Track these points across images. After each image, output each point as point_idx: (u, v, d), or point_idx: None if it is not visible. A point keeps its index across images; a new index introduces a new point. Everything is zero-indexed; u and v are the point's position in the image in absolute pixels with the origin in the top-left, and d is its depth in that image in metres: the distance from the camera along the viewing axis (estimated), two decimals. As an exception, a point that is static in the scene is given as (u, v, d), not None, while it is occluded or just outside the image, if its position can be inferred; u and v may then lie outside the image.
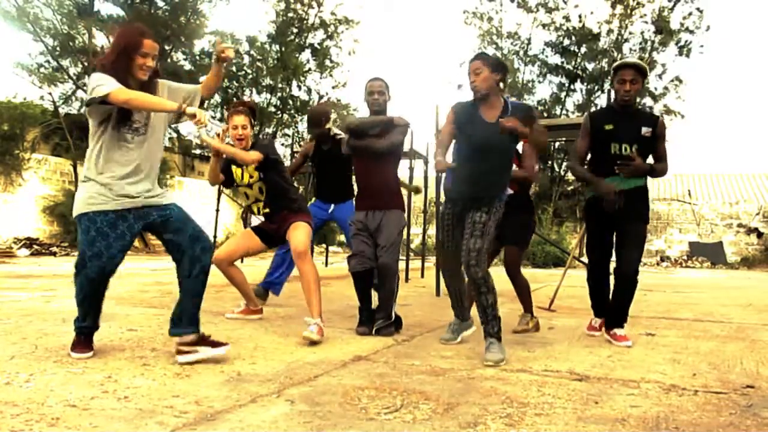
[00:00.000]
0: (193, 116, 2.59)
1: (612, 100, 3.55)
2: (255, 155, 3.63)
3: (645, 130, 3.42)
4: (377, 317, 3.60)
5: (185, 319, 2.71)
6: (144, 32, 2.64)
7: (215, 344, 2.70)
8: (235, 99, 20.55)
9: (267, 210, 3.88)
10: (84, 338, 2.71)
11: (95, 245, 2.57)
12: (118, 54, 2.60)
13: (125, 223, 2.65)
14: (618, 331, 3.47)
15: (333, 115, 5.15)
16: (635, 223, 3.46)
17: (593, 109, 12.04)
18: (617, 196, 3.34)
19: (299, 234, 3.60)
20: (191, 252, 2.69)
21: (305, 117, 20.93)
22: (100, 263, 2.57)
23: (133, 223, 2.67)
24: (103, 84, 2.50)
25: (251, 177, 3.87)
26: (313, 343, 3.14)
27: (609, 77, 19.44)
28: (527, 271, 6.46)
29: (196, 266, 2.69)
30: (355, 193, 4.04)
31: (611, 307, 3.54)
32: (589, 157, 3.64)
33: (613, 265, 3.55)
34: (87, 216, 2.60)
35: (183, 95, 2.83)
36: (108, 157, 2.64)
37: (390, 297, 3.62)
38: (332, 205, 4.98)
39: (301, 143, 18.59)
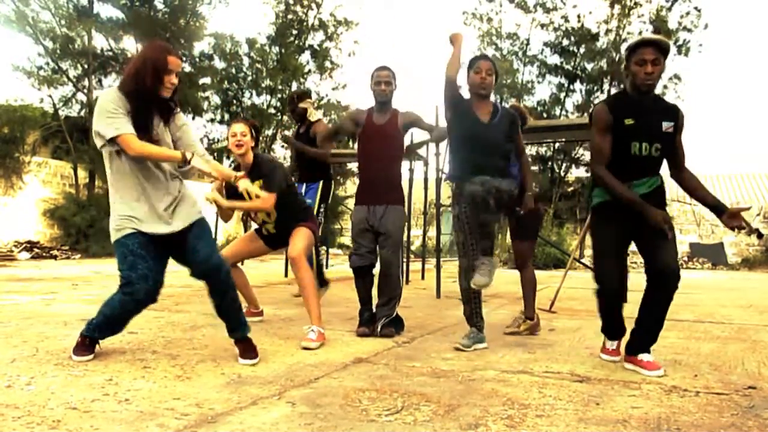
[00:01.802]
0: (244, 190, 2.79)
1: (628, 86, 2.83)
2: (271, 200, 3.41)
3: (666, 126, 2.79)
4: (379, 315, 3.60)
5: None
6: (170, 50, 2.64)
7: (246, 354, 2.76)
8: (234, 100, 20.58)
9: (275, 229, 3.79)
10: (88, 342, 2.71)
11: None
12: (144, 73, 2.57)
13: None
14: (645, 357, 2.77)
15: (307, 102, 5.16)
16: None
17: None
18: (668, 224, 2.68)
19: (297, 240, 3.53)
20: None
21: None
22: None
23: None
24: (113, 123, 2.50)
25: (267, 215, 3.74)
26: (310, 348, 3.13)
27: (607, 78, 19.55)
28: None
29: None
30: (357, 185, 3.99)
31: (640, 325, 2.83)
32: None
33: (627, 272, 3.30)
34: None
35: (186, 141, 2.80)
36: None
37: (393, 295, 3.62)
38: (304, 185, 5.18)
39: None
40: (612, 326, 3.03)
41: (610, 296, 2.92)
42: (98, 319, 2.69)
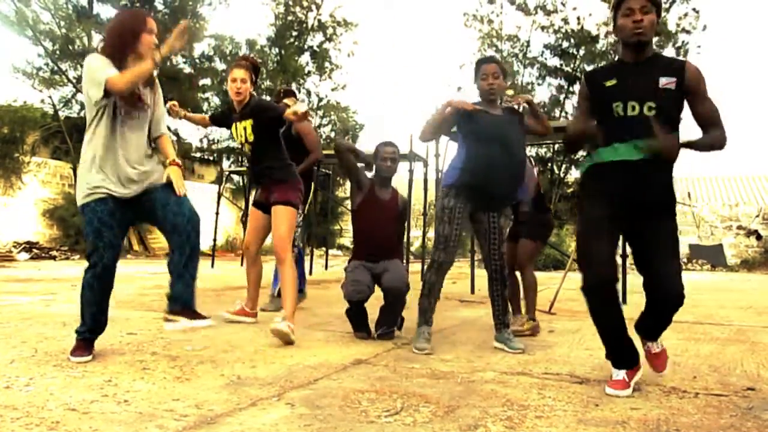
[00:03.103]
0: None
1: (620, 50, 2.47)
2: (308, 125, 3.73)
3: (665, 81, 2.34)
4: (381, 324, 3.57)
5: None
6: (145, 12, 2.77)
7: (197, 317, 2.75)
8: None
9: (260, 180, 3.85)
10: (85, 342, 2.71)
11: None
12: (123, 34, 2.65)
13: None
14: (653, 347, 2.59)
15: (292, 100, 5.12)
16: (664, 219, 2.37)
17: None
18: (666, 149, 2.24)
19: (279, 229, 3.52)
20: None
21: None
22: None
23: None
24: (103, 75, 2.55)
25: (243, 137, 3.77)
26: (285, 339, 3.15)
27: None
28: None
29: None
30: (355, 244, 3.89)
31: (649, 325, 2.56)
32: None
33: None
34: None
35: (158, 113, 2.89)
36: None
37: (396, 317, 3.61)
38: None
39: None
40: (615, 343, 2.45)
41: (601, 287, 2.35)
42: (80, 312, 2.72)
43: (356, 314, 3.60)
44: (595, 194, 2.43)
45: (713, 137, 2.35)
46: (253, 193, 4.13)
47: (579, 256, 2.44)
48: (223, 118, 4.01)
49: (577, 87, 20.74)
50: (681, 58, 2.64)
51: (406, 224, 3.98)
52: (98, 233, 2.63)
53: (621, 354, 2.45)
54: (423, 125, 3.30)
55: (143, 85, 2.77)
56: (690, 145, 2.35)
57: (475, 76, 3.35)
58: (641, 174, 2.32)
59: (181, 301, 2.74)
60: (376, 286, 3.61)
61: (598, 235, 2.36)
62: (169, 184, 2.75)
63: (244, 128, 3.74)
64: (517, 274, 4.07)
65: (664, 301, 2.36)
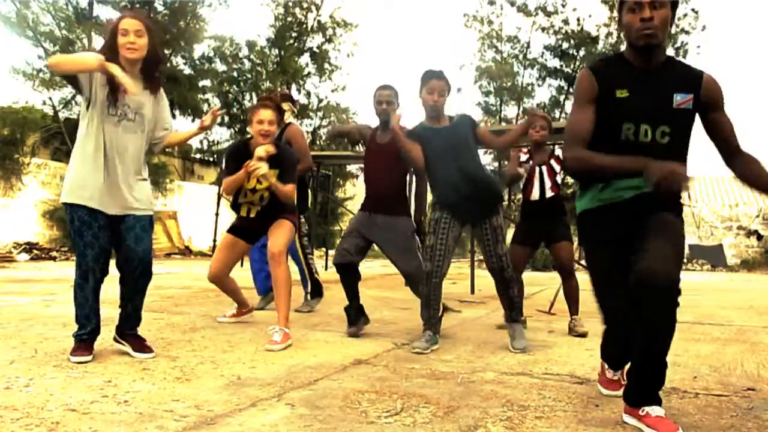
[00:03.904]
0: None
1: (626, 50, 2.06)
2: (293, 192, 3.47)
3: (681, 100, 1.96)
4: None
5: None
6: (125, 14, 2.73)
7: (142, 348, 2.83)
8: (235, 102, 20.58)
9: (255, 215, 3.60)
10: (84, 343, 2.71)
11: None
12: (107, 37, 2.70)
13: None
14: (654, 411, 1.89)
15: (288, 105, 5.08)
16: (665, 213, 1.98)
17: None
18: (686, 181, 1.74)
19: (279, 235, 3.43)
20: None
21: (304, 120, 20.96)
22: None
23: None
24: None
25: (260, 186, 3.50)
26: (273, 350, 3.08)
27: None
28: (527, 274, 6.48)
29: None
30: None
31: (638, 364, 1.95)
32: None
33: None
34: None
35: (162, 115, 2.94)
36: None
37: (426, 303, 3.60)
38: None
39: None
40: (613, 350, 2.28)
41: (614, 317, 2.17)
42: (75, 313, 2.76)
43: (345, 282, 3.68)
44: (600, 239, 2.10)
45: (746, 162, 2.00)
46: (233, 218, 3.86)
47: (597, 302, 2.19)
48: (236, 158, 3.44)
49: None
50: (698, 68, 2.04)
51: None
52: (79, 233, 2.67)
53: (621, 358, 2.25)
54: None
55: (143, 87, 2.78)
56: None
57: (420, 88, 3.34)
58: (645, 205, 1.95)
59: (126, 327, 2.88)
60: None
61: (609, 283, 2.09)
62: (137, 217, 2.79)
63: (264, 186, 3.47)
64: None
65: (646, 288, 1.75)
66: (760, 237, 18.42)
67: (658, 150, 1.91)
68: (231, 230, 3.73)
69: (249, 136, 3.53)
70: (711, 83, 2.01)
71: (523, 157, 4.06)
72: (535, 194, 3.99)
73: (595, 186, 2.06)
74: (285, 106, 4.94)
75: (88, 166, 2.68)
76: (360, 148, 4.17)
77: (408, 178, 3.94)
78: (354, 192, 21.27)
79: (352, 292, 3.69)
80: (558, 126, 6.57)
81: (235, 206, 3.68)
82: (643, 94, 1.95)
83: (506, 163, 20.91)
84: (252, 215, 3.61)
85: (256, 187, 3.51)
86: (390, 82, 3.76)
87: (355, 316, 3.66)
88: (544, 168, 4.01)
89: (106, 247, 2.73)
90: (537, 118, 3.86)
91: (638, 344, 1.90)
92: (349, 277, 3.69)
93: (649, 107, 1.95)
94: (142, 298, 2.90)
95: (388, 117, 3.65)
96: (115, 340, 2.90)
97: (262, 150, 3.27)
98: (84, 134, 2.72)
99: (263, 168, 3.22)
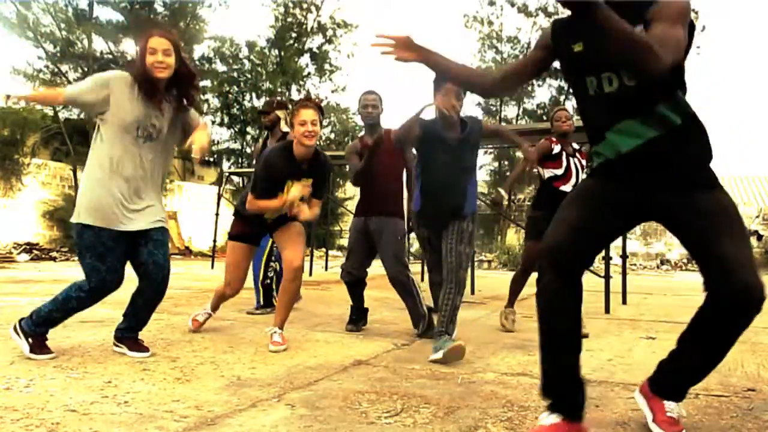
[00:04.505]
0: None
1: None
2: (317, 211, 3.31)
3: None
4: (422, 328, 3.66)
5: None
6: (152, 33, 2.74)
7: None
8: (235, 103, 20.58)
9: (271, 221, 3.38)
10: (43, 339, 2.78)
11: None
12: (137, 58, 2.75)
13: None
14: (670, 408, 1.82)
15: (283, 113, 5.03)
16: (706, 192, 1.70)
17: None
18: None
19: (297, 244, 3.25)
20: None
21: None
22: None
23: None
24: None
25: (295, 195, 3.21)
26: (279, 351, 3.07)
27: None
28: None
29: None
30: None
31: (693, 365, 1.86)
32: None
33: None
34: None
35: (191, 118, 2.97)
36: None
37: (413, 304, 3.68)
38: None
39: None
40: (554, 376, 1.77)
41: (554, 273, 1.74)
42: (44, 313, 2.78)
43: (351, 292, 3.87)
44: (597, 187, 1.84)
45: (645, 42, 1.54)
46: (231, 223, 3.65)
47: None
48: (276, 167, 3.16)
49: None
50: None
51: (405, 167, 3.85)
52: (92, 252, 2.69)
53: (566, 392, 1.76)
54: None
55: (175, 107, 2.85)
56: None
57: (434, 92, 3.08)
58: (646, 160, 1.72)
59: (127, 333, 2.91)
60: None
61: (569, 220, 1.78)
62: (157, 229, 2.81)
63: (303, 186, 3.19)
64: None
65: (746, 304, 1.58)
66: (760, 237, 18.42)
67: (631, 94, 1.73)
68: (235, 238, 3.49)
69: (287, 140, 3.25)
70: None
71: (557, 149, 3.99)
72: (569, 187, 3.93)
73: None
74: (280, 113, 4.92)
75: (97, 191, 2.69)
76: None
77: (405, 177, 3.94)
78: (354, 192, 21.29)
79: (358, 298, 3.88)
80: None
81: (236, 236, 3.51)
82: (597, 43, 1.69)
83: (506, 163, 20.91)
84: (268, 220, 3.37)
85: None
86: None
87: (357, 317, 3.85)
88: (576, 160, 4.01)
89: (113, 269, 2.74)
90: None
91: (704, 339, 1.78)
92: (357, 288, 3.87)
93: (603, 55, 1.72)
94: (152, 311, 2.97)
95: (373, 120, 3.76)
96: (115, 344, 2.91)
97: (300, 190, 3.10)
98: (101, 147, 2.73)
99: (305, 211, 3.13)
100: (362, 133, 3.94)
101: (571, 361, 1.76)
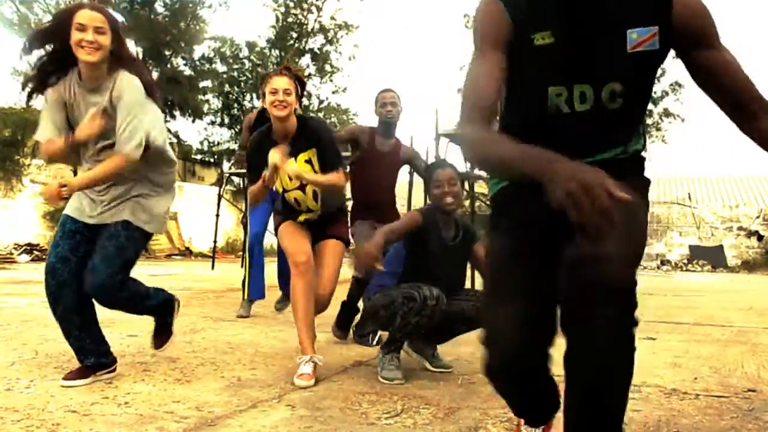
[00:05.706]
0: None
1: None
2: (342, 177, 2.68)
3: (641, 36, 1.22)
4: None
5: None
6: (81, 4, 2.19)
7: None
8: (235, 103, 20.58)
9: (303, 221, 2.81)
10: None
11: None
12: (51, 32, 2.21)
13: None
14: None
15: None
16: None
17: None
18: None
19: (328, 272, 2.76)
20: None
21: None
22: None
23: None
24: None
25: (291, 185, 2.74)
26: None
27: None
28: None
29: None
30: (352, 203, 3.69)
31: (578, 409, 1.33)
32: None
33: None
34: None
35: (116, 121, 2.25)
36: None
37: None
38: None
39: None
40: (526, 402, 1.63)
41: (507, 375, 1.52)
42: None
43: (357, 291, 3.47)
44: (510, 227, 1.40)
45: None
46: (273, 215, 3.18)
47: (483, 323, 1.52)
48: (259, 152, 2.64)
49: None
50: None
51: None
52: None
53: (539, 410, 1.63)
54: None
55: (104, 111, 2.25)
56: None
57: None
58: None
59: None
60: None
61: (509, 295, 1.41)
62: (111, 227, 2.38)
63: (307, 161, 2.67)
64: None
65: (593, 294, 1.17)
66: (760, 238, 18.41)
67: (605, 120, 1.26)
68: (282, 221, 2.86)
69: (269, 123, 2.72)
70: (693, 4, 1.23)
71: None
72: None
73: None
74: None
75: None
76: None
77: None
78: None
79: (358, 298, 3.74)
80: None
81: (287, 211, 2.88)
82: (578, 36, 1.21)
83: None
84: (300, 219, 2.83)
85: (285, 186, 2.75)
86: (391, 83, 3.76)
87: (348, 318, 3.56)
88: None
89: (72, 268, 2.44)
90: None
91: (570, 384, 1.33)
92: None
93: (585, 58, 1.22)
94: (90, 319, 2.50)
95: (393, 120, 3.57)
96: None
97: (276, 155, 2.50)
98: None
99: (291, 165, 2.56)
100: (374, 126, 3.63)
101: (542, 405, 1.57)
